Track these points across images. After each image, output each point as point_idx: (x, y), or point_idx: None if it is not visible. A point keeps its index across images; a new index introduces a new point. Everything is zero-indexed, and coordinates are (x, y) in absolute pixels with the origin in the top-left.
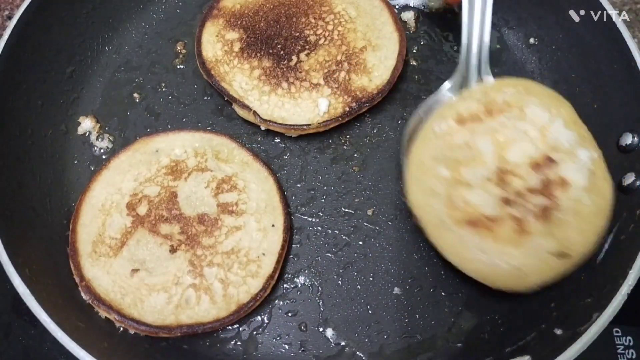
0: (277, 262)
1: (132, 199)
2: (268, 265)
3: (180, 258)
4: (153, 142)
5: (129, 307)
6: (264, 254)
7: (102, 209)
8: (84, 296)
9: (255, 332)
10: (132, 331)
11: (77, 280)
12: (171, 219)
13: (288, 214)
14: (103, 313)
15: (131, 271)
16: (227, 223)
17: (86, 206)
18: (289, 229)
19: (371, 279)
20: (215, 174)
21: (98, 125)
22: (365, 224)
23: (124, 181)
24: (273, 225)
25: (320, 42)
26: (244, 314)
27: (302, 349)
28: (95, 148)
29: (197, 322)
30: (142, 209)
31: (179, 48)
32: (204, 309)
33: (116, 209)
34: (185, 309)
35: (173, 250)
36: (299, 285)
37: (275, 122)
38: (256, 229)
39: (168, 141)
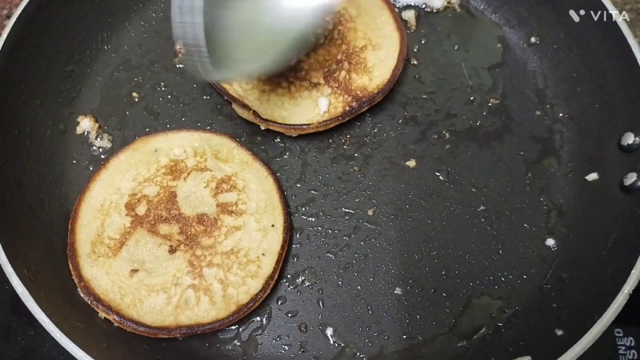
0: (277, 262)
1: (131, 199)
2: (268, 265)
3: (180, 258)
4: (152, 142)
5: (128, 307)
6: (263, 254)
7: (101, 209)
8: (83, 296)
9: (254, 333)
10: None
11: (76, 280)
12: (170, 219)
13: (288, 214)
14: (102, 313)
15: (130, 271)
16: (226, 223)
17: (85, 206)
18: (289, 229)
19: (371, 279)
20: (214, 173)
21: (97, 124)
22: (366, 224)
23: (123, 181)
24: (273, 226)
25: (321, 41)
26: (243, 314)
27: (302, 350)
28: (94, 148)
29: (196, 323)
30: (141, 209)
31: (178, 47)
32: (203, 310)
33: (115, 209)
34: (185, 309)
35: (172, 250)
36: (299, 286)
37: (275, 122)
38: (256, 229)
39: (167, 141)
